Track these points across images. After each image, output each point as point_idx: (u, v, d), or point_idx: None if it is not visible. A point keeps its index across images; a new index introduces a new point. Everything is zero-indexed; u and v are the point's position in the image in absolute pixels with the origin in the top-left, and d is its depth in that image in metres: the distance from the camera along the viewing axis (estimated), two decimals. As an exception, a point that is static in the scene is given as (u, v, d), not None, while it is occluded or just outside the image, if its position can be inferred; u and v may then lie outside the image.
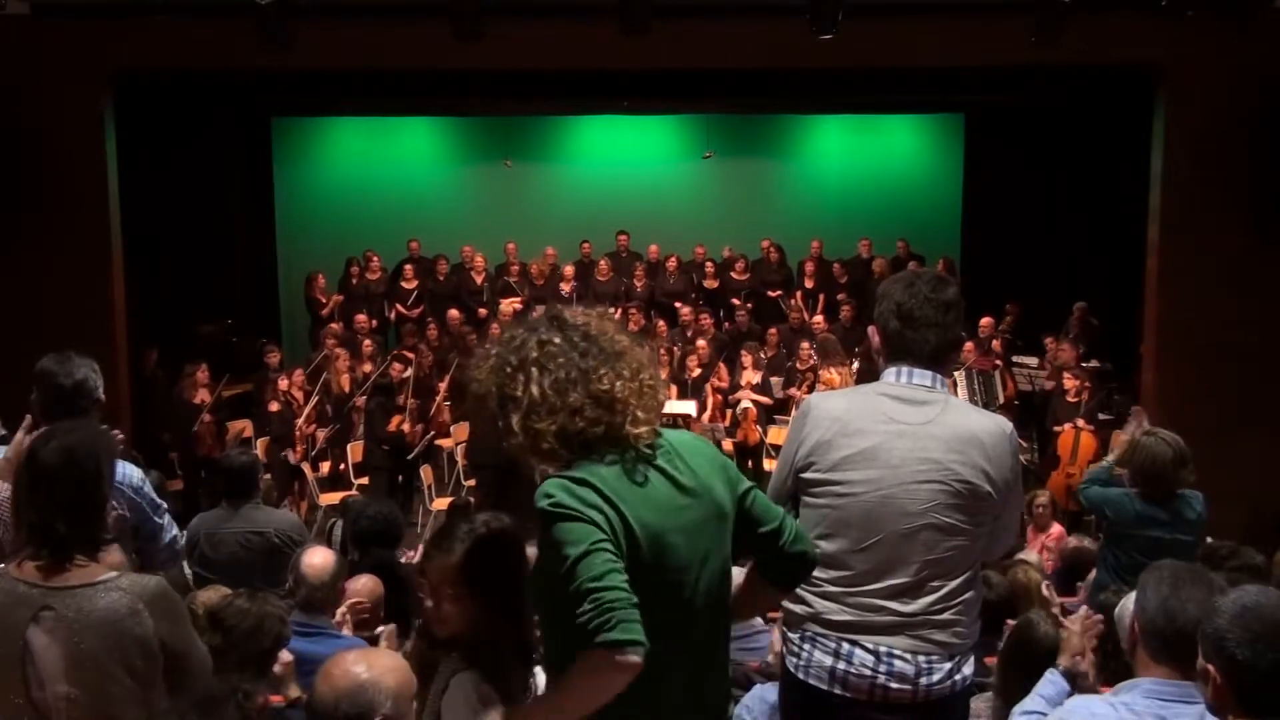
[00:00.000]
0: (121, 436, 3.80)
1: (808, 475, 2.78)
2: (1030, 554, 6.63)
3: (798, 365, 10.80)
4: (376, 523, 5.38)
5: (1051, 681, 2.94)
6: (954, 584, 2.71)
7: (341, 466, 10.15)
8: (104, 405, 3.74)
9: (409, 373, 10.38)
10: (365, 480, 9.93)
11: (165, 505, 3.90)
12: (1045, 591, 4.34)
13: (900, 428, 2.73)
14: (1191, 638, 2.47)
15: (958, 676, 2.73)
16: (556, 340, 2.26)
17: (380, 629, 4.25)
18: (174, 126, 11.32)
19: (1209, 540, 5.06)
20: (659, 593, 2.17)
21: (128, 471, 3.70)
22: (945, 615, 2.70)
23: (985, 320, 11.12)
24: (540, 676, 2.42)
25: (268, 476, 7.82)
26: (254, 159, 13.63)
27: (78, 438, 2.71)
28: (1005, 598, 4.32)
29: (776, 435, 10.10)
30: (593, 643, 2.00)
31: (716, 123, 14.21)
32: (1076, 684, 3.04)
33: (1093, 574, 5.34)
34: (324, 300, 12.58)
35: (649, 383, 2.29)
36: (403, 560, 5.79)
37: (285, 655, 3.29)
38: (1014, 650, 3.39)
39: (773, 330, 11.78)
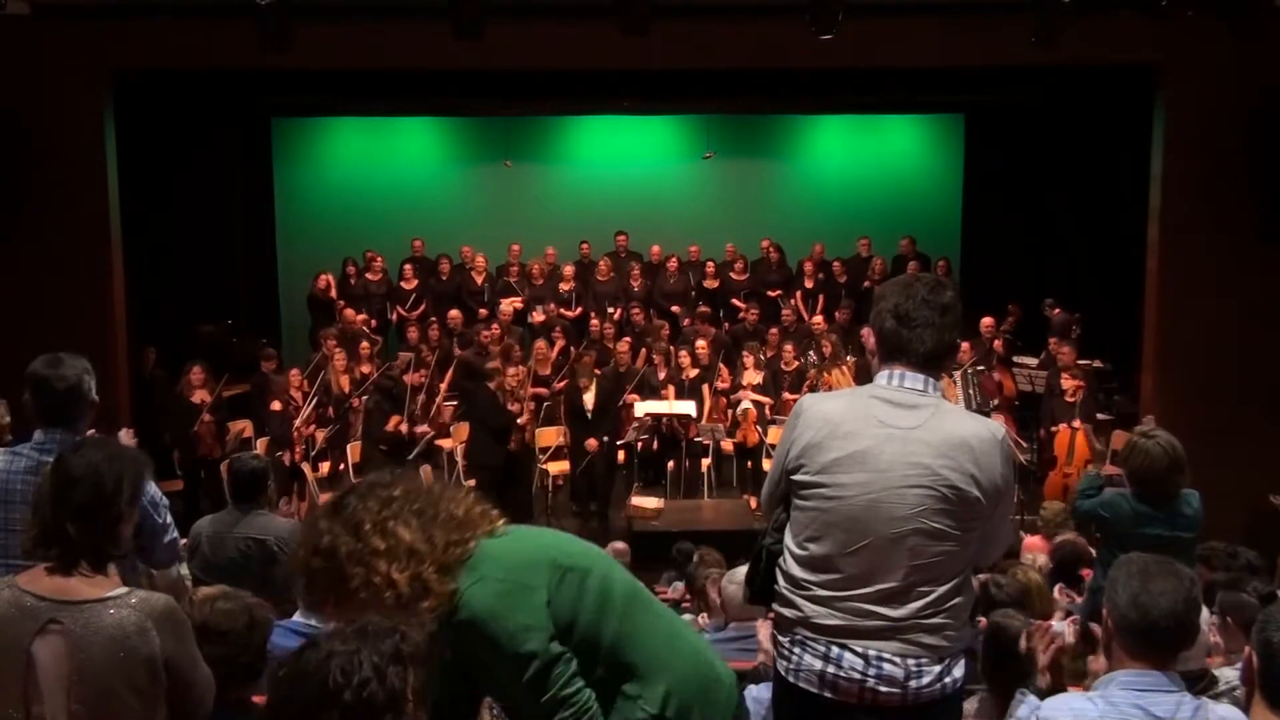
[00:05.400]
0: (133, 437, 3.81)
1: (798, 477, 2.77)
2: (1038, 556, 6.59)
3: (783, 367, 10.79)
4: None
5: (1023, 703, 2.94)
6: (942, 589, 2.69)
7: (341, 466, 10.14)
8: (99, 406, 3.73)
9: (414, 373, 10.38)
10: (364, 480, 9.91)
11: (167, 503, 3.89)
12: (1057, 594, 4.31)
13: (890, 431, 2.71)
14: (1166, 630, 2.49)
15: (947, 679, 2.71)
16: (374, 505, 2.40)
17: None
18: (174, 126, 11.32)
19: (1210, 542, 5.04)
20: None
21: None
22: (935, 620, 2.68)
23: (986, 320, 11.12)
24: None
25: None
26: (254, 159, 13.62)
27: (106, 454, 2.73)
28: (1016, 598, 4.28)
29: (776, 436, 10.08)
30: None
31: (716, 123, 14.19)
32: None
33: (1092, 576, 5.32)
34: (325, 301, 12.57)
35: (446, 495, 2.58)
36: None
37: None
38: (992, 654, 3.37)
39: (773, 330, 11.75)
